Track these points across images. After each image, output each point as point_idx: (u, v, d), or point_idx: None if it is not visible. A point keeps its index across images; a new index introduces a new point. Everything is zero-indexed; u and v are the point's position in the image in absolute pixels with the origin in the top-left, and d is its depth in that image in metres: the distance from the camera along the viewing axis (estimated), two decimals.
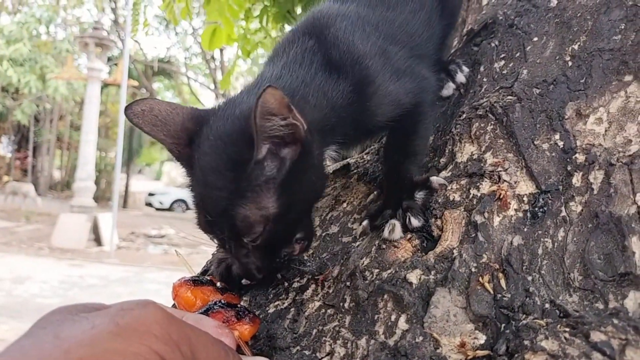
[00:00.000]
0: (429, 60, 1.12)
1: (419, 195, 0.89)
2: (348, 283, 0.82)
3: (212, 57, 21.99)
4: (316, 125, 0.85)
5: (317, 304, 0.83)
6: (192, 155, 0.82)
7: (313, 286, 0.86)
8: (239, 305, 0.77)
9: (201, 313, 0.74)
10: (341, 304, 0.80)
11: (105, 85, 16.93)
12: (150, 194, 23.20)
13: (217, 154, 0.79)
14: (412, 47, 1.05)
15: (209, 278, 0.87)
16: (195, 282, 0.82)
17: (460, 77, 1.15)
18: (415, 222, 0.85)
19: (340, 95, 0.90)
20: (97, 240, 12.29)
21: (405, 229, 0.85)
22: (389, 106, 0.95)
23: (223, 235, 0.81)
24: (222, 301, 0.77)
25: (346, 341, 0.74)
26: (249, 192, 0.76)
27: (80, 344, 0.47)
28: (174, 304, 0.83)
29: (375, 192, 1.03)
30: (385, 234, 0.85)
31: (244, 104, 0.84)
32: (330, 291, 0.83)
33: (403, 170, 0.94)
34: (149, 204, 22.92)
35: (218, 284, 0.85)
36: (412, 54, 1.03)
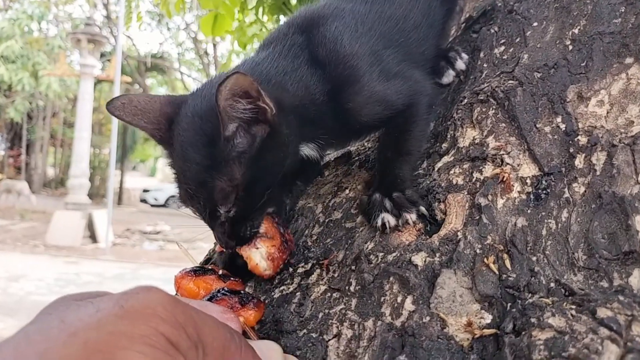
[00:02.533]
0: (427, 56, 1.12)
1: (409, 192, 0.90)
2: (353, 267, 0.83)
3: (205, 52, 21.92)
4: (293, 110, 0.90)
5: (323, 288, 0.83)
6: (172, 135, 0.87)
7: (318, 271, 0.87)
8: (242, 292, 0.77)
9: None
10: (347, 287, 0.81)
11: (98, 82, 16.86)
12: (145, 191, 23.15)
13: (194, 130, 0.84)
14: (409, 45, 1.06)
15: (210, 267, 0.87)
16: (197, 272, 0.82)
17: (460, 64, 1.16)
18: (413, 217, 0.85)
19: (321, 90, 0.94)
20: (92, 237, 12.26)
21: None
22: (375, 106, 0.96)
23: (201, 207, 0.85)
24: (225, 289, 0.77)
25: (353, 323, 0.75)
26: (223, 166, 0.81)
27: (85, 327, 0.47)
28: (177, 295, 0.83)
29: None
30: (379, 223, 0.86)
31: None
32: (336, 275, 0.84)
33: (396, 168, 0.95)
34: (143, 201, 22.86)
35: (220, 271, 0.85)
36: (405, 57, 1.04)
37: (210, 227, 0.87)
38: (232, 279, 0.84)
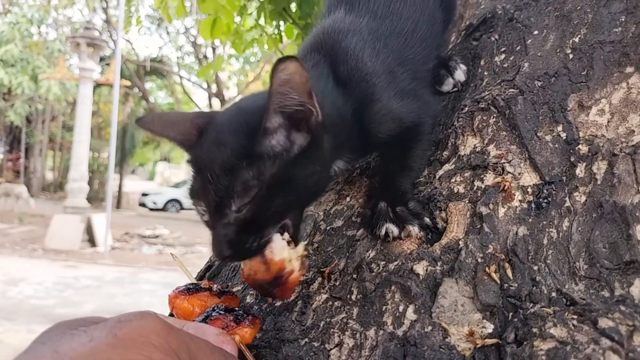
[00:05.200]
0: (430, 71, 1.13)
1: (411, 205, 0.90)
2: (355, 275, 0.83)
3: (205, 57, 21.93)
4: (331, 129, 0.85)
5: (324, 296, 0.83)
6: (202, 137, 0.84)
7: (319, 279, 0.87)
8: (237, 308, 0.77)
9: (200, 321, 0.74)
10: (348, 296, 0.81)
11: (97, 86, 16.85)
12: (144, 194, 23.15)
13: (236, 121, 0.83)
14: (416, 61, 1.06)
15: (202, 284, 0.86)
16: (190, 290, 0.82)
17: (459, 75, 1.16)
18: (416, 230, 0.85)
19: (348, 109, 0.92)
20: (91, 241, 12.24)
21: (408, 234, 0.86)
22: (391, 124, 0.96)
23: (211, 199, 0.79)
24: (220, 306, 0.77)
25: (355, 332, 0.75)
26: (256, 159, 0.78)
27: (79, 357, 0.47)
28: (170, 314, 0.82)
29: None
30: (382, 232, 0.86)
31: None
32: (337, 284, 0.84)
33: (397, 181, 0.95)
34: (142, 204, 22.86)
35: (215, 287, 0.85)
36: (415, 74, 1.04)
37: (211, 227, 0.80)
38: (227, 293, 0.84)
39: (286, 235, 0.80)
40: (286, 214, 0.82)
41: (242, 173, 0.77)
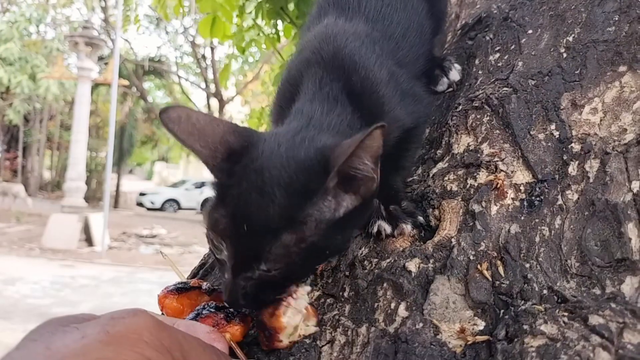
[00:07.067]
0: (419, 73, 1.11)
1: (405, 204, 0.90)
2: (347, 272, 0.83)
3: (203, 56, 21.93)
4: None
5: (317, 293, 0.83)
6: (236, 167, 0.76)
7: (312, 276, 0.87)
8: (227, 306, 0.77)
9: (190, 319, 0.74)
10: (341, 293, 0.81)
11: (95, 85, 16.86)
12: (142, 194, 23.13)
13: (286, 173, 0.73)
14: (406, 63, 1.04)
15: (191, 283, 0.85)
16: (180, 289, 0.81)
17: (454, 75, 1.16)
18: (409, 228, 0.85)
19: (365, 126, 0.86)
20: (89, 241, 12.22)
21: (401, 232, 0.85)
22: (396, 132, 0.93)
23: (242, 250, 0.73)
24: (211, 304, 0.77)
25: (346, 329, 0.75)
26: (302, 221, 0.72)
27: (71, 354, 0.47)
28: (161, 314, 0.82)
29: None
30: (374, 230, 0.86)
31: (320, 137, 0.79)
32: (330, 281, 0.84)
33: (390, 180, 0.93)
34: (140, 204, 22.85)
35: (204, 285, 0.84)
36: (411, 74, 1.02)
37: (230, 273, 0.73)
38: (217, 291, 0.83)
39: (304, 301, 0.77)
40: (312, 272, 0.81)
41: (284, 237, 0.71)
